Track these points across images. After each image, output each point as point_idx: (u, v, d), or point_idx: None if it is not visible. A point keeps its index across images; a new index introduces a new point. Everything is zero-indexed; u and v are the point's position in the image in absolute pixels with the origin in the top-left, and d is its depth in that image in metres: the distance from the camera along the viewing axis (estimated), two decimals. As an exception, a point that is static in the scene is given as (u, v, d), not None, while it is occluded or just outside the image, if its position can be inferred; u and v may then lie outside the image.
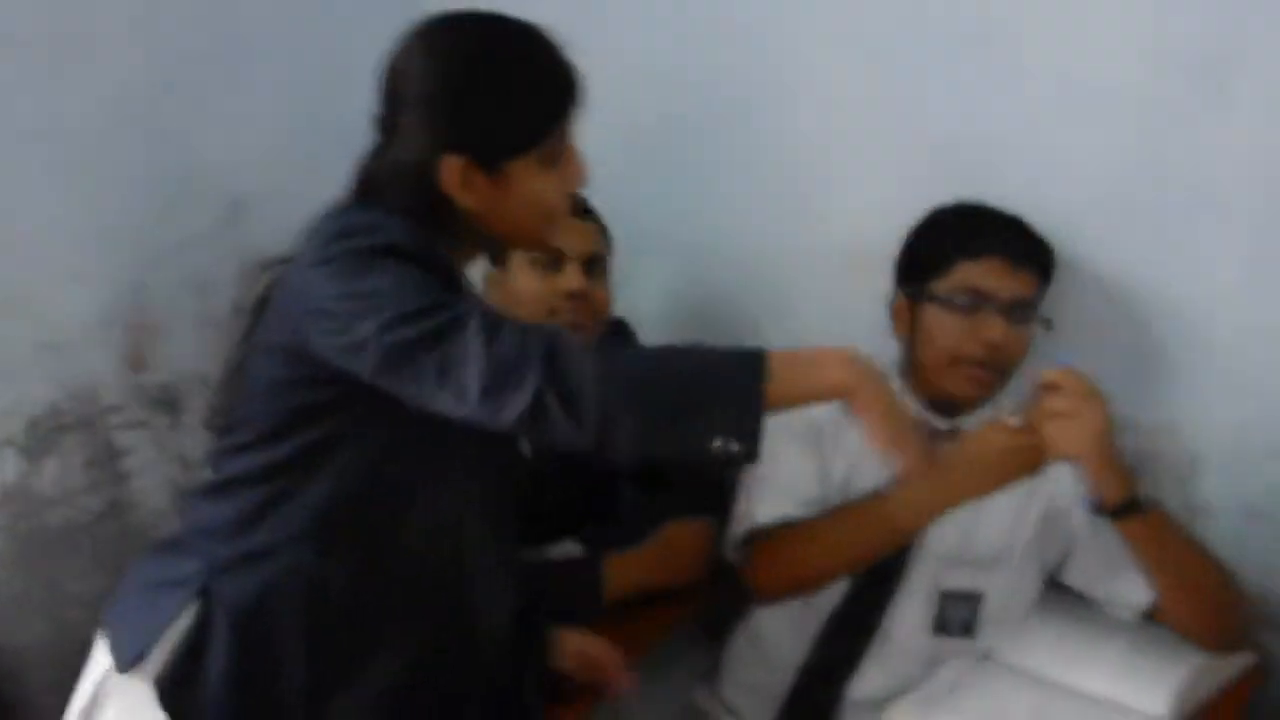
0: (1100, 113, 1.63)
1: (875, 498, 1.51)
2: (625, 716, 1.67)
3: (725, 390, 1.05)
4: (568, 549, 1.71)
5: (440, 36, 1.19)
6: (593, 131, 1.25)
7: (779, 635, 1.61)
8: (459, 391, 1.02)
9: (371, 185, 1.20)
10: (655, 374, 1.07)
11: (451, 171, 1.15)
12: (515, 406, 1.01)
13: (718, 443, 1.03)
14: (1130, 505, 1.41)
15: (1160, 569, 1.44)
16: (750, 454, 1.04)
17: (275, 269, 1.23)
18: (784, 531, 1.53)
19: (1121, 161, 1.62)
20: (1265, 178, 1.55)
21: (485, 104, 1.15)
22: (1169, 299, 1.63)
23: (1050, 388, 1.38)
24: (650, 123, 1.94)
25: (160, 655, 1.15)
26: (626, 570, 1.64)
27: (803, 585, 1.53)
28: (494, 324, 1.04)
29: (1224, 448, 1.62)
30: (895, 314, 1.65)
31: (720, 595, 1.73)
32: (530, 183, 1.18)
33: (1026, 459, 1.39)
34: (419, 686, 1.24)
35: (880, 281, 1.68)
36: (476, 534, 1.26)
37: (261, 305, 1.24)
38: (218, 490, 1.22)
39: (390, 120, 1.19)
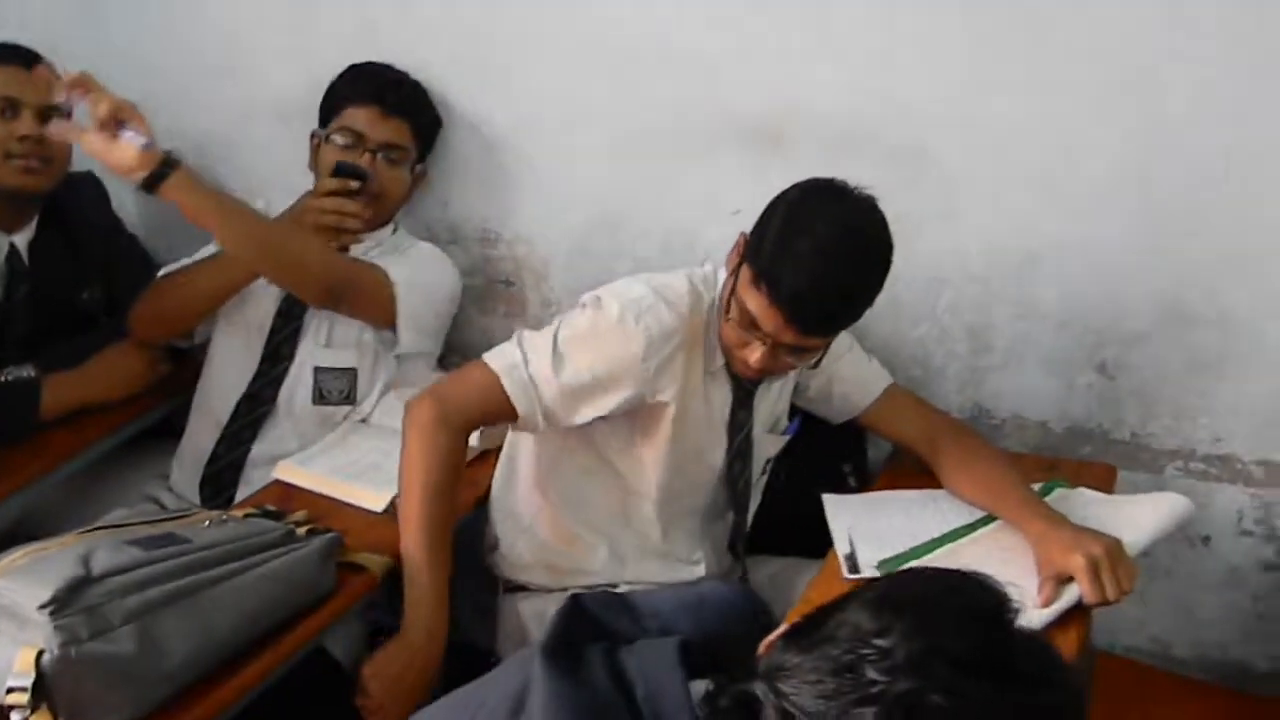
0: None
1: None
2: (95, 508, 1.94)
3: None
4: (24, 371, 1.94)
5: None
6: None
7: (201, 420, 1.93)
8: None
9: None
10: None
11: None
12: None
13: None
14: (151, 178, 1.60)
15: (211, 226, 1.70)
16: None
17: None
18: (159, 281, 1.89)
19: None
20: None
21: None
22: (504, 132, 2.02)
23: None
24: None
25: None
26: (68, 388, 1.90)
27: (164, 321, 1.90)
28: None
29: (564, 249, 2.05)
30: (311, 151, 1.98)
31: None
32: None
33: None
34: None
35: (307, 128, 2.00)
36: None
37: None
38: None
39: None
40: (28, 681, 1.15)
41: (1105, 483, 1.72)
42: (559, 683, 0.90)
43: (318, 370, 1.88)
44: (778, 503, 1.82)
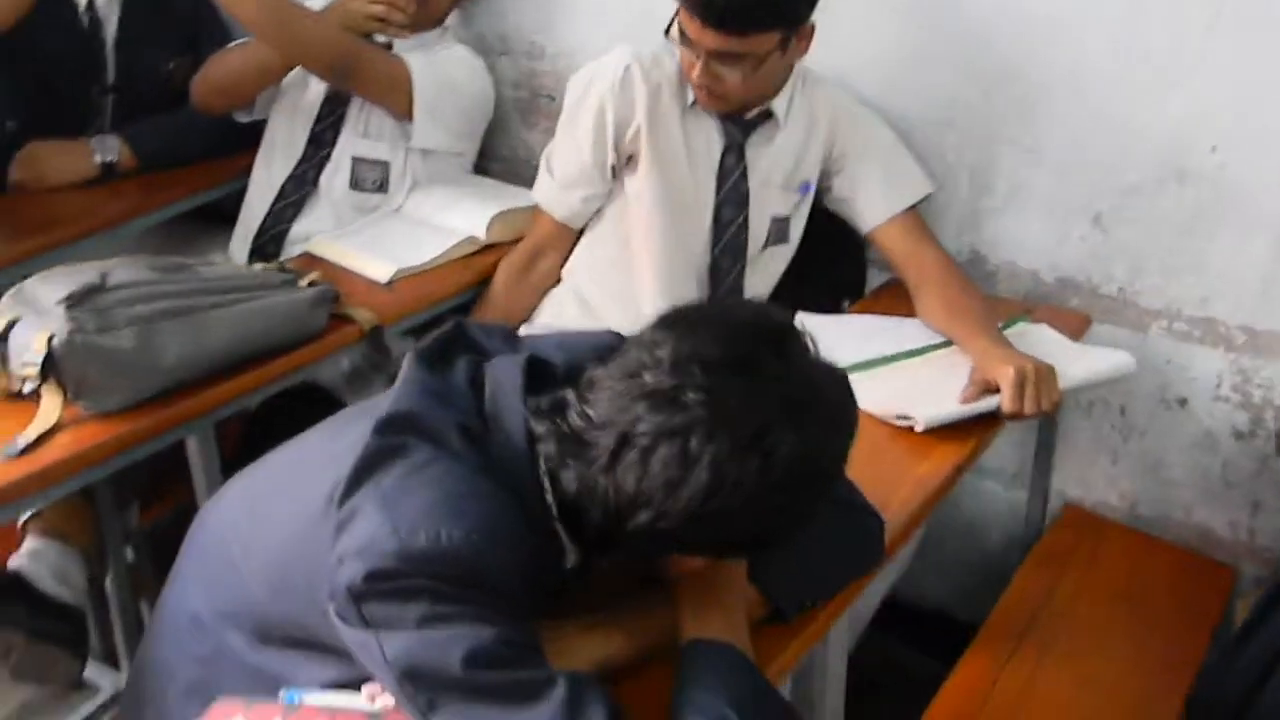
0: None
1: None
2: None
3: None
4: (109, 141, 2.15)
5: None
6: None
7: (254, 197, 2.12)
8: None
9: None
10: None
11: None
12: None
13: None
14: None
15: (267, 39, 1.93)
16: None
17: None
18: (222, 51, 2.07)
19: None
20: None
21: None
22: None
23: None
24: None
25: None
26: None
27: (221, 90, 2.08)
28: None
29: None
30: None
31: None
32: None
33: None
34: None
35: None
36: None
37: None
38: None
39: None
40: (39, 359, 1.37)
41: (1076, 330, 1.75)
42: (419, 371, 1.04)
43: (355, 159, 2.04)
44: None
